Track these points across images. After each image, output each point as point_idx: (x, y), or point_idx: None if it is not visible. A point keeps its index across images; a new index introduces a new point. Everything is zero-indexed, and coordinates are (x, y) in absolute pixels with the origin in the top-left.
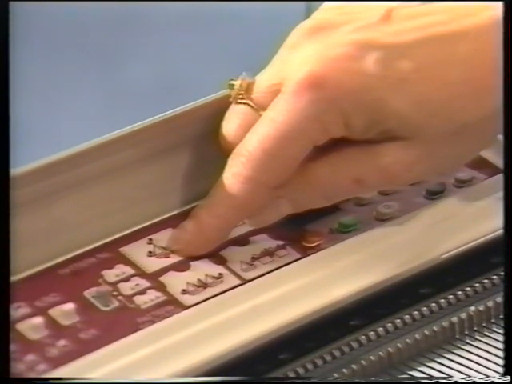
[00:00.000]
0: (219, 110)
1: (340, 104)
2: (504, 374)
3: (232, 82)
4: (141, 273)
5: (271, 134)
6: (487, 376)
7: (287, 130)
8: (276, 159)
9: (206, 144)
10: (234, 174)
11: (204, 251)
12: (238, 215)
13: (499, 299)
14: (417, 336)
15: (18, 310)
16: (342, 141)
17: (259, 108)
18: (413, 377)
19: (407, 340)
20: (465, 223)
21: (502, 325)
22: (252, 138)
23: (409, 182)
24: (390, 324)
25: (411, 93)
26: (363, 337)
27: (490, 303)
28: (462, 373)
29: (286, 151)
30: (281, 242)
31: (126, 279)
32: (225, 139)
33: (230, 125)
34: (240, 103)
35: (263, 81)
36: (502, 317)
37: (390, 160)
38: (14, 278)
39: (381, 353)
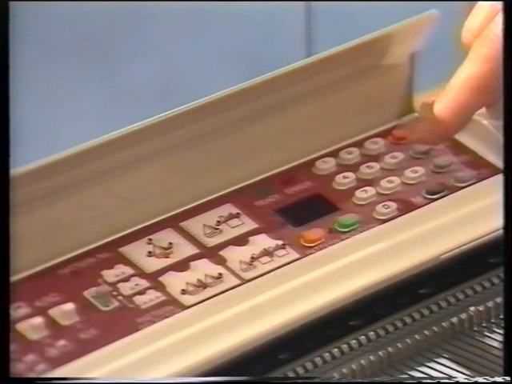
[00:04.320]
0: (219, 109)
1: None
2: (504, 374)
3: None
4: (140, 273)
5: None
6: (487, 376)
7: None
8: None
9: (206, 144)
10: (476, 55)
11: (442, 138)
12: (476, 98)
13: (499, 299)
14: (417, 336)
15: (17, 309)
16: None
17: None
18: (413, 377)
19: (407, 340)
20: (465, 223)
21: (502, 325)
22: (500, 21)
23: None
24: (389, 324)
25: None
26: (363, 337)
27: (490, 303)
28: (462, 373)
29: None
30: (280, 242)
31: (126, 279)
32: (470, 31)
33: (477, 17)
34: None
35: None
36: (501, 317)
37: None
38: (13, 278)
39: (381, 353)
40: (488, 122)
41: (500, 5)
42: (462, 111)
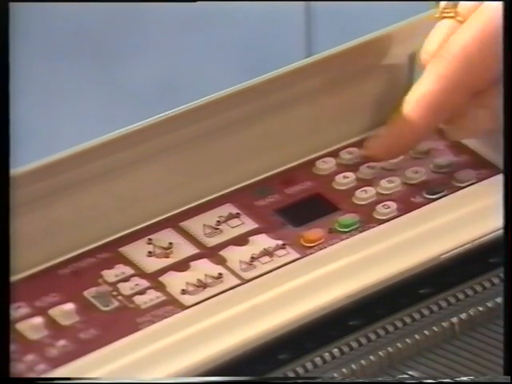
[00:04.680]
0: (219, 109)
1: None
2: (504, 374)
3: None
4: (140, 273)
5: (474, 36)
6: (487, 376)
7: (490, 33)
8: (477, 61)
9: (206, 144)
10: (431, 74)
11: (398, 154)
12: (432, 116)
13: (499, 299)
14: (417, 336)
15: (17, 310)
16: None
17: (464, 20)
18: (413, 377)
19: (407, 340)
20: (465, 223)
21: (502, 325)
22: (455, 42)
23: None
24: (389, 324)
25: None
26: (363, 337)
27: (490, 303)
28: (462, 373)
29: (488, 54)
30: (280, 242)
31: (126, 279)
32: (428, 53)
33: (434, 38)
34: (446, 17)
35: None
36: (502, 317)
37: None
38: (13, 278)
39: (381, 353)
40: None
41: (455, 24)
42: (415, 129)
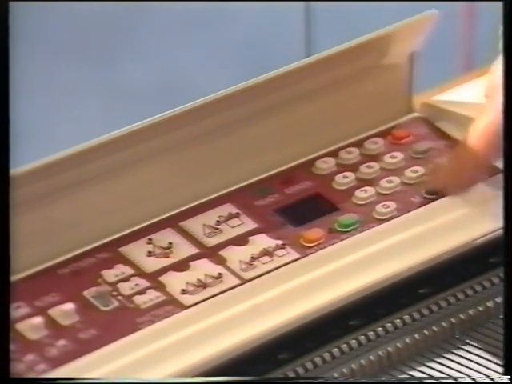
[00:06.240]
0: (219, 109)
1: None
2: (504, 374)
3: None
4: (140, 273)
5: None
6: (487, 376)
7: None
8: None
9: (206, 144)
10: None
11: (464, 186)
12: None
13: (499, 299)
14: (416, 336)
15: (17, 309)
16: None
17: None
18: (413, 377)
19: (407, 340)
20: (465, 223)
21: (502, 325)
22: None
23: None
24: (389, 324)
25: None
26: (363, 336)
27: (490, 303)
28: (461, 373)
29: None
30: (280, 242)
31: (126, 279)
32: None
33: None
34: None
35: None
36: (501, 317)
37: None
38: (13, 278)
39: (380, 352)
40: None
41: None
42: (478, 159)
